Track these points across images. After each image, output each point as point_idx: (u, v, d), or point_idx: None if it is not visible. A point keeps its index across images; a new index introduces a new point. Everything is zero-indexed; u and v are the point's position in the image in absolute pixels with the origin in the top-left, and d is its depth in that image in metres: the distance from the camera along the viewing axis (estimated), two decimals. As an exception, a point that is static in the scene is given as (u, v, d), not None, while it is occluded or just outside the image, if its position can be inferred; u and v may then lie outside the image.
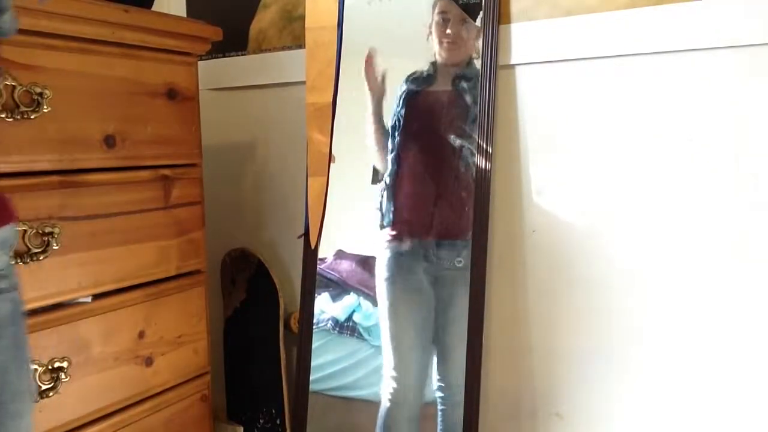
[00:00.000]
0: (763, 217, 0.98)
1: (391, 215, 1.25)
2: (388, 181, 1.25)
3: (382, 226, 1.26)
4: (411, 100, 1.23)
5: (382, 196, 1.26)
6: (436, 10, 1.20)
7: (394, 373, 1.24)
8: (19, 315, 0.62)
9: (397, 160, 1.24)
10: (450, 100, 1.20)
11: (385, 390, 1.26)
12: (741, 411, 1.02)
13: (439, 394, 1.22)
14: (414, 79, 1.23)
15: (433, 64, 1.21)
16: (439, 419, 1.21)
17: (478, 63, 1.16)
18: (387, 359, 1.26)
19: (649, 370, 1.09)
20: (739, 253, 1.01)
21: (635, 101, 1.07)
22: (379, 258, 1.28)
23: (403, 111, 1.23)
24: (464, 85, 1.18)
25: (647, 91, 1.06)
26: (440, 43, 1.20)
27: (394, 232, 1.25)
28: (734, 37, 0.97)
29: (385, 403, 1.26)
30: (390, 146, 1.25)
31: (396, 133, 1.24)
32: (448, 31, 1.19)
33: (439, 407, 1.22)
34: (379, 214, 1.26)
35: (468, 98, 1.18)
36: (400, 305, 1.26)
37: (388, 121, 1.25)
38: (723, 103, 1.00)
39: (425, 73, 1.22)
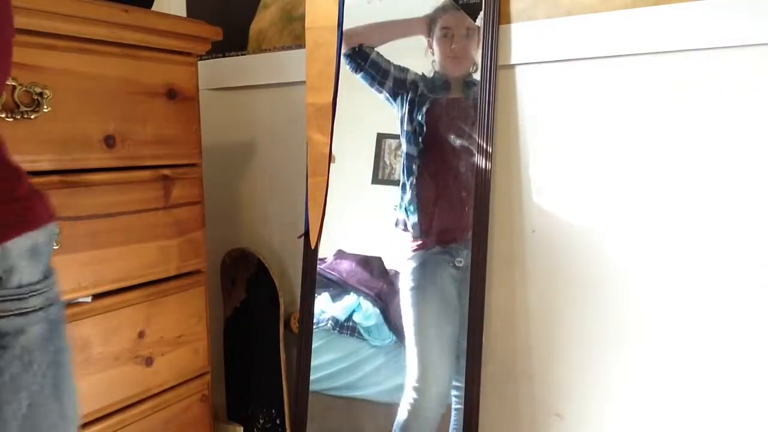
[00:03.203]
0: (762, 218, 0.98)
1: (418, 227, 1.23)
2: (411, 191, 1.23)
3: (413, 238, 1.24)
4: (429, 108, 1.22)
5: (406, 209, 1.24)
6: (438, 26, 1.19)
7: (416, 384, 1.23)
8: (59, 334, 0.54)
9: (418, 169, 1.23)
10: (462, 107, 1.20)
11: (405, 400, 1.24)
12: (739, 410, 1.02)
13: (455, 393, 1.21)
14: (429, 87, 1.22)
15: (437, 71, 1.21)
16: (453, 417, 1.21)
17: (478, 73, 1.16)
18: (411, 370, 1.23)
19: (649, 369, 1.09)
20: (739, 253, 1.01)
21: (635, 101, 1.07)
22: (403, 267, 1.26)
23: (422, 120, 1.22)
24: (473, 92, 1.17)
25: (647, 91, 1.05)
26: (444, 57, 1.20)
27: (419, 242, 1.24)
28: (734, 37, 0.97)
29: (403, 414, 1.24)
30: (409, 155, 1.24)
31: (415, 142, 1.23)
32: (453, 46, 1.19)
33: (454, 406, 1.21)
34: (401, 227, 1.25)
35: (472, 101, 1.17)
36: (427, 317, 1.24)
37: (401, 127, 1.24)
38: (723, 103, 1.00)
39: (436, 82, 1.21)
